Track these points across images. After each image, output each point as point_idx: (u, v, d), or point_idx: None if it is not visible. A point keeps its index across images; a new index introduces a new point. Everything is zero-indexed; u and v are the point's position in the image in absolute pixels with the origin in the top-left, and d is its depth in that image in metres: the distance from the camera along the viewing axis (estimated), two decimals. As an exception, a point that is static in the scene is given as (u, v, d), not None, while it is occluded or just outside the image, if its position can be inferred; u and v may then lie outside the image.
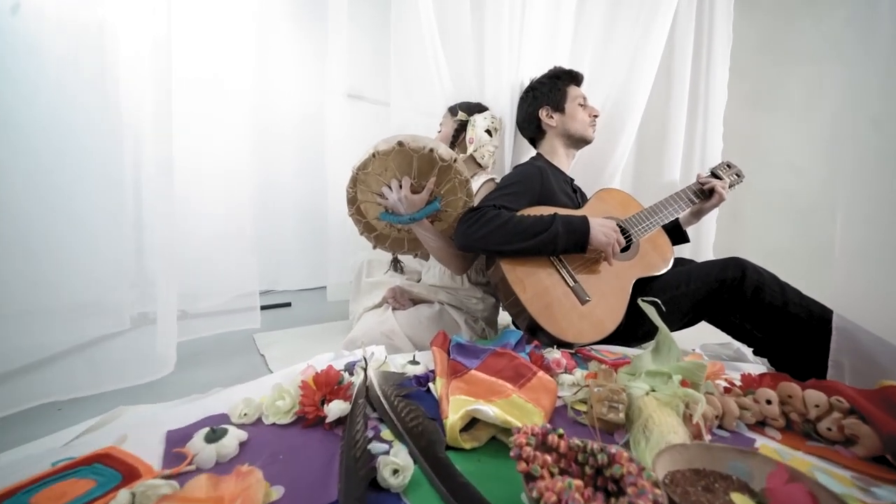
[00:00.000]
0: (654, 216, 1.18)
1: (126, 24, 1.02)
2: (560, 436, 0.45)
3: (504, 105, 1.42)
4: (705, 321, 1.12)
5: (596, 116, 1.32)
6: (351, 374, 0.79)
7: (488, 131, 1.37)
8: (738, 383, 0.76)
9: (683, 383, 0.66)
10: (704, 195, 1.27)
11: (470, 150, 1.36)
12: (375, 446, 0.55)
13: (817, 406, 0.62)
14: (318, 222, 1.86)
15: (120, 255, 1.17)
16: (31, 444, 0.63)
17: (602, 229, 1.02)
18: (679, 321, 1.11)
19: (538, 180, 1.17)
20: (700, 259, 1.59)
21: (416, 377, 0.76)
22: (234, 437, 0.55)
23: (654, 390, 0.64)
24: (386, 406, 0.64)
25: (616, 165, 1.58)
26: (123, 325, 1.11)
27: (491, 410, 0.56)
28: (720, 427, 0.66)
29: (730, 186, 1.28)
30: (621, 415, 0.60)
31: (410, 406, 0.63)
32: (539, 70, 1.38)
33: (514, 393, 0.66)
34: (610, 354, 0.92)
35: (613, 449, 0.42)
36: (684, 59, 1.69)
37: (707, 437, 0.58)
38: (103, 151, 1.05)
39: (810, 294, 1.01)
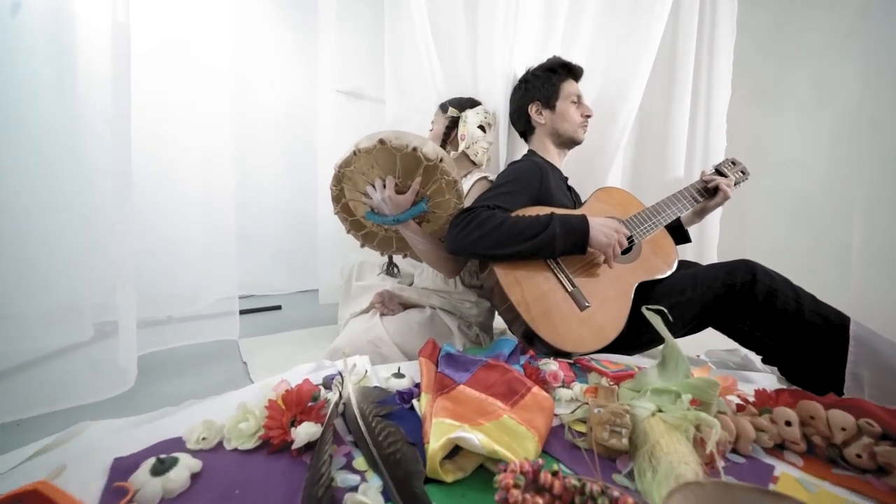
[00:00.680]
0: (657, 216, 1.12)
1: (86, 12, 0.95)
2: (554, 473, 0.39)
3: (498, 98, 1.36)
4: (712, 328, 1.05)
5: (588, 117, 1.25)
6: (329, 388, 0.73)
7: (481, 127, 1.31)
8: (752, 399, 0.70)
9: (693, 402, 0.59)
10: (708, 193, 1.21)
11: (462, 146, 1.29)
12: (345, 478, 0.49)
13: (844, 429, 0.56)
14: (309, 222, 1.80)
15: (89, 258, 1.11)
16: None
17: (602, 229, 0.95)
18: (683, 327, 1.05)
19: (537, 178, 1.10)
20: (704, 261, 1.53)
21: (400, 393, 0.70)
22: (184, 469, 0.48)
23: (661, 410, 0.58)
24: (362, 428, 0.58)
25: (608, 162, 1.51)
26: (86, 335, 1.04)
27: (476, 438, 0.49)
28: (734, 451, 0.59)
29: (735, 184, 1.22)
30: (624, 440, 0.54)
31: (390, 428, 0.57)
32: (532, 60, 1.31)
33: (505, 413, 0.59)
34: (611, 365, 0.86)
35: (616, 492, 0.36)
36: (686, 54, 1.62)
37: (721, 464, 0.52)
38: (65, 149, 0.99)
39: (818, 296, 0.95)
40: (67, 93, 1.03)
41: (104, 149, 1.02)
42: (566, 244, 0.94)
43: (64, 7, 0.98)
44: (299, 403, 0.60)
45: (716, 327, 1.04)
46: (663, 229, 1.14)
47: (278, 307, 1.92)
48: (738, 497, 0.38)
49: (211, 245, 1.20)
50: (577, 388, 0.75)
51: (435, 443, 0.50)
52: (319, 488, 0.43)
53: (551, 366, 0.81)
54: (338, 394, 0.67)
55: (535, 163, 1.13)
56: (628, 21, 1.47)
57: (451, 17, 1.39)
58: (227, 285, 1.22)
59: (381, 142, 0.94)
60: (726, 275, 0.97)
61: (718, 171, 1.23)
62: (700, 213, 1.25)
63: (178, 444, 0.56)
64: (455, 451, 0.52)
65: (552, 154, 1.26)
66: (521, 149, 1.40)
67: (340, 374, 0.72)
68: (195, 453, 0.53)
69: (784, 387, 0.99)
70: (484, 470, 0.52)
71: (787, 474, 0.54)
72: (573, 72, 1.26)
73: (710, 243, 1.59)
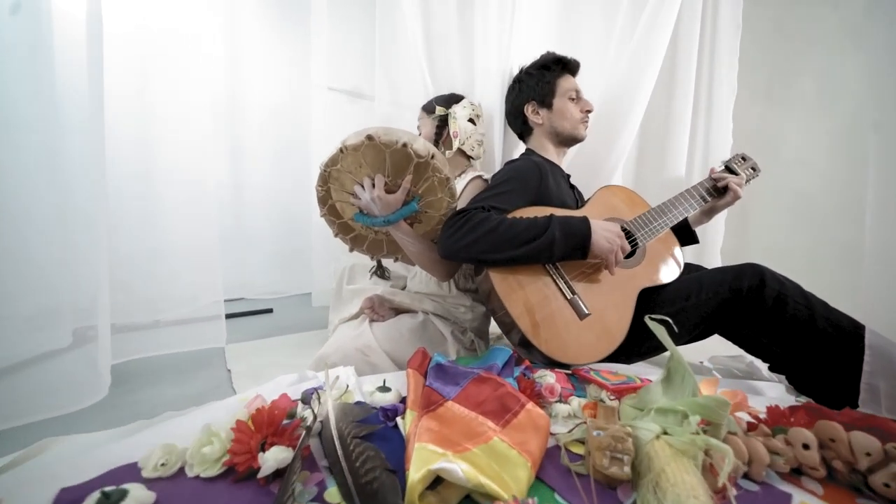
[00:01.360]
0: (663, 217, 1.06)
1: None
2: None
3: (494, 96, 1.31)
4: (717, 334, 1.00)
5: (589, 112, 1.19)
6: (308, 404, 0.67)
7: (471, 120, 1.26)
8: (763, 416, 0.64)
9: (701, 421, 0.54)
10: (718, 192, 1.15)
11: (456, 144, 1.24)
12: (314, 513, 0.43)
13: (869, 454, 0.51)
14: (303, 223, 1.75)
15: (70, 261, 1.06)
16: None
17: (605, 234, 0.89)
18: (688, 334, 0.99)
19: (535, 177, 1.05)
20: (706, 263, 1.47)
21: (384, 409, 0.65)
22: (133, 503, 0.43)
23: (666, 433, 0.53)
24: (339, 452, 0.53)
25: (617, 162, 1.46)
26: (64, 342, 0.99)
27: (460, 469, 0.44)
28: (746, 477, 0.54)
29: (746, 181, 1.16)
30: (626, 468, 0.49)
31: (369, 452, 0.52)
32: (530, 59, 1.26)
33: (495, 435, 0.54)
34: (611, 376, 0.81)
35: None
36: (689, 51, 1.56)
37: (732, 492, 0.47)
38: (41, 146, 0.94)
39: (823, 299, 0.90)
40: (45, 90, 0.99)
41: (81, 146, 0.97)
42: (566, 249, 0.89)
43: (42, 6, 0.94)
44: (271, 424, 0.55)
45: (721, 334, 0.99)
46: (669, 231, 1.08)
47: (269, 310, 1.87)
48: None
49: (196, 248, 1.15)
50: (575, 403, 0.70)
51: (415, 473, 0.45)
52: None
53: (548, 378, 0.76)
54: (315, 411, 0.61)
55: (533, 161, 1.08)
56: (634, 19, 1.42)
57: (444, 14, 1.34)
58: (213, 290, 1.17)
59: (369, 138, 0.88)
60: (733, 279, 0.92)
61: (728, 168, 1.18)
62: (708, 213, 1.19)
63: (132, 471, 0.51)
64: (438, 479, 0.47)
65: (551, 153, 1.21)
66: (518, 147, 1.35)
67: (317, 390, 0.67)
68: (151, 483, 0.48)
69: (793, 397, 0.96)
70: (471, 501, 0.47)
71: (807, 503, 0.49)
72: (568, 66, 1.20)
73: (714, 245, 1.54)
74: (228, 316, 1.76)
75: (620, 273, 0.97)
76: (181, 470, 0.52)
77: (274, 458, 0.49)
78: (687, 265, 1.12)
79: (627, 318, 0.93)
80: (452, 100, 1.27)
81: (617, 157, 1.44)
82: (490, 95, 1.32)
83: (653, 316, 0.65)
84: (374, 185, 0.93)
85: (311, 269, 1.82)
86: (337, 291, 1.41)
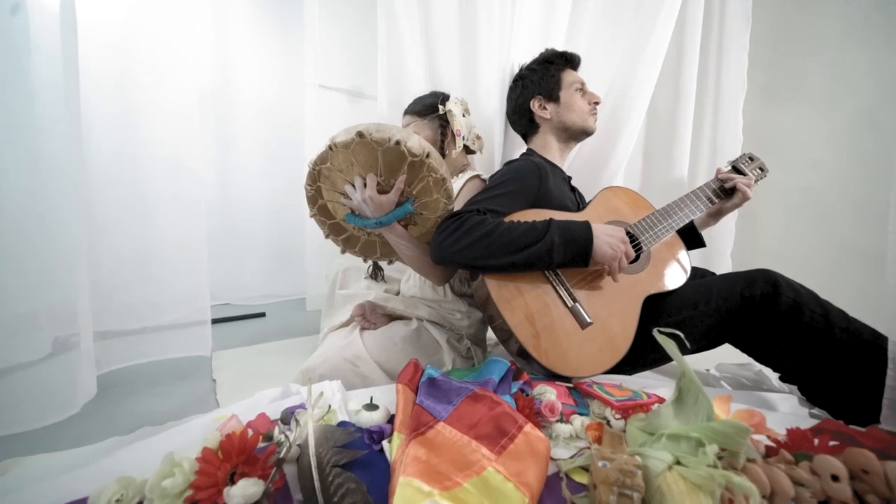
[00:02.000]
0: (668, 219, 1.01)
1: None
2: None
3: (494, 97, 1.25)
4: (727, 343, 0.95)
5: (597, 103, 1.15)
6: (288, 424, 0.62)
7: (463, 114, 1.20)
8: (783, 437, 0.59)
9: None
10: (725, 193, 1.10)
11: (461, 142, 1.19)
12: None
13: (907, 489, 0.45)
14: (297, 224, 1.69)
15: (50, 265, 1.01)
16: None
17: (608, 239, 0.84)
18: (695, 344, 0.94)
19: (535, 178, 0.99)
20: (715, 268, 1.42)
21: (370, 432, 0.60)
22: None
23: (679, 462, 0.47)
24: (316, 484, 0.47)
25: (619, 162, 1.41)
26: (42, 351, 0.94)
27: (448, 512, 0.39)
28: (768, 511, 0.49)
29: (755, 182, 1.11)
30: (636, 506, 0.43)
31: (349, 484, 0.47)
32: (531, 57, 1.21)
33: (490, 465, 0.49)
34: (616, 391, 0.75)
35: None
36: (695, 44, 1.51)
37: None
38: (18, 144, 0.88)
39: (832, 295, 0.85)
40: (18, 85, 0.93)
41: (57, 144, 0.92)
42: (566, 256, 0.83)
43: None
44: (242, 451, 0.49)
45: (731, 342, 0.94)
46: (675, 234, 1.03)
47: (262, 314, 1.82)
48: None
49: (183, 250, 1.09)
50: (578, 422, 0.65)
51: (397, 515, 0.39)
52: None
53: (548, 395, 0.70)
54: (294, 434, 0.56)
55: (533, 162, 1.02)
56: (636, 16, 1.36)
57: (444, 10, 1.28)
58: (199, 296, 1.11)
59: (360, 135, 0.83)
60: (745, 287, 0.87)
61: (736, 169, 1.12)
62: (715, 215, 1.14)
63: (83, 508, 0.45)
64: (425, 519, 0.42)
65: (554, 152, 1.16)
66: (519, 148, 1.29)
67: (292, 415, 0.61)
68: (102, 522, 0.43)
69: (807, 409, 0.91)
70: (461, 543, 0.42)
71: (838, 546, 0.44)
72: (571, 61, 1.16)
73: (723, 248, 1.49)
74: (219, 320, 1.72)
75: (624, 279, 0.92)
76: (140, 504, 0.46)
77: (241, 493, 0.44)
78: (693, 269, 1.07)
79: (632, 327, 0.88)
80: (444, 98, 1.22)
81: (619, 157, 1.39)
82: (493, 94, 1.27)
83: (662, 329, 0.60)
84: (365, 185, 0.88)
85: (306, 272, 1.76)
86: (329, 296, 1.36)
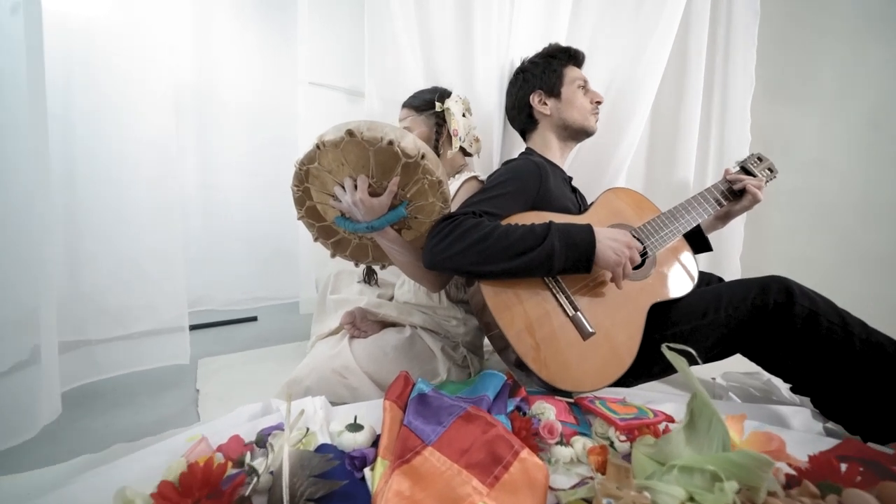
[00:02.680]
0: (675, 223, 0.96)
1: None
2: None
3: (493, 94, 1.20)
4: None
5: (599, 103, 1.10)
6: (264, 447, 0.57)
7: (463, 114, 1.15)
8: (805, 464, 0.54)
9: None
10: (734, 195, 1.05)
11: (457, 143, 1.14)
12: None
13: (951, 532, 0.40)
14: (289, 225, 1.64)
15: (13, 271, 0.95)
16: None
17: (611, 244, 0.79)
18: (704, 354, 0.89)
19: (535, 179, 0.94)
20: (723, 272, 1.37)
21: (351, 457, 0.54)
22: None
23: (693, 499, 0.42)
24: (287, 521, 0.42)
25: (621, 162, 1.36)
26: (5, 363, 0.88)
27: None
28: (792, 553, 0.44)
29: (765, 183, 1.06)
30: (646, 553, 0.38)
31: (323, 523, 0.42)
32: (533, 51, 1.16)
33: (481, 500, 0.44)
34: (619, 408, 0.70)
35: None
36: (701, 39, 1.45)
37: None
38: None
39: (843, 301, 0.80)
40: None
41: (20, 143, 0.86)
42: (567, 262, 0.78)
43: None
44: (205, 484, 0.44)
45: (742, 352, 0.89)
46: (681, 238, 0.98)
47: (254, 318, 1.77)
48: None
49: (158, 256, 1.03)
50: (580, 445, 0.59)
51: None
52: None
53: (547, 413, 0.65)
54: (268, 460, 0.51)
55: (533, 162, 0.97)
56: (638, 11, 1.31)
57: (440, 6, 1.23)
58: (176, 302, 1.05)
59: (350, 133, 0.78)
60: (757, 295, 0.82)
61: (744, 170, 1.07)
62: (723, 218, 1.09)
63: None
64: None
65: (554, 151, 1.10)
66: (518, 148, 1.24)
67: (281, 426, 0.56)
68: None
69: (821, 423, 0.86)
70: None
71: None
72: (575, 57, 1.11)
73: (732, 251, 1.44)
74: (208, 325, 1.67)
75: (628, 286, 0.87)
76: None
77: (199, 536, 0.39)
78: (700, 274, 1.02)
79: (637, 337, 0.83)
80: (444, 94, 1.17)
81: (622, 157, 1.34)
82: (491, 91, 1.21)
83: (671, 346, 0.54)
84: (356, 187, 0.83)
85: (299, 274, 1.71)
86: (320, 301, 1.31)
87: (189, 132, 1.24)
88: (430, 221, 0.92)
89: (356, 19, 1.34)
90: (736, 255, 1.44)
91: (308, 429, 0.59)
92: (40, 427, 0.80)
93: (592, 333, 0.80)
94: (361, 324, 1.02)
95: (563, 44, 1.13)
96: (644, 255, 0.91)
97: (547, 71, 1.08)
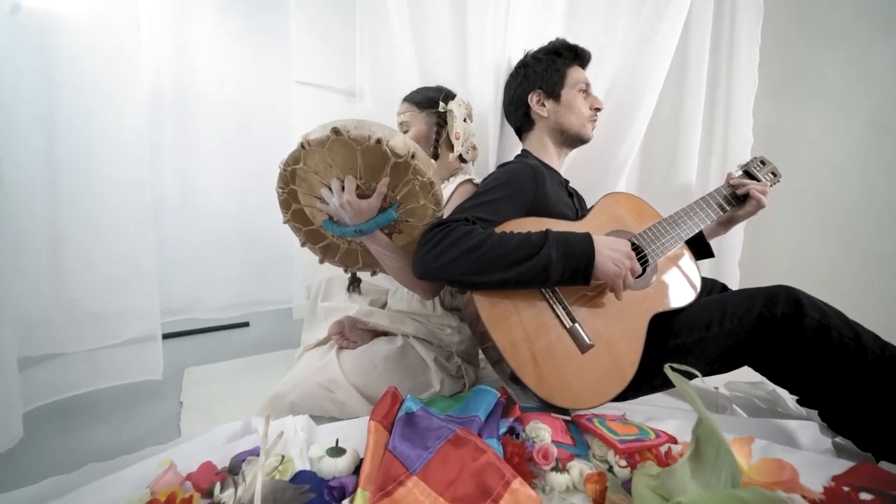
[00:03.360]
0: (676, 229, 0.92)
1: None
2: None
3: (488, 92, 1.16)
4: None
5: (598, 110, 1.06)
6: (237, 474, 0.53)
7: (465, 120, 1.12)
8: (819, 495, 0.50)
9: None
10: (737, 200, 1.01)
11: (458, 148, 1.10)
12: None
13: None
14: (282, 228, 1.60)
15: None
16: None
17: (611, 254, 0.75)
18: (707, 368, 0.85)
19: (531, 183, 0.90)
20: (721, 276, 1.33)
21: (330, 487, 0.50)
22: None
23: (700, 542, 0.38)
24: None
25: (622, 164, 1.32)
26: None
27: None
28: None
29: (770, 187, 1.02)
30: None
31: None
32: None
33: (467, 541, 0.40)
34: (619, 427, 0.66)
35: None
36: (704, 37, 1.41)
37: None
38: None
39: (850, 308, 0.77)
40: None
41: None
42: (564, 272, 0.74)
43: None
44: (165, 523, 0.40)
45: (747, 365, 0.85)
46: (684, 244, 0.94)
47: (245, 324, 1.73)
48: None
49: (128, 264, 0.97)
50: (577, 471, 0.56)
51: None
52: None
53: (542, 434, 0.61)
54: (240, 490, 0.47)
55: (528, 165, 0.93)
56: (641, 9, 1.27)
57: (435, 4, 1.19)
58: (147, 314, 1.00)
59: (336, 131, 0.74)
60: (764, 305, 0.78)
61: (747, 174, 1.03)
62: (726, 224, 1.05)
63: None
64: None
65: (550, 154, 1.06)
66: (514, 149, 1.20)
67: (258, 450, 0.52)
68: None
69: (829, 438, 0.82)
70: None
71: None
72: (581, 57, 1.06)
73: (731, 257, 1.39)
74: (197, 331, 1.63)
75: (629, 296, 0.83)
76: None
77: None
78: (703, 280, 0.97)
79: (637, 350, 0.79)
80: (449, 96, 1.13)
81: (623, 159, 1.30)
82: (486, 91, 1.18)
83: (675, 366, 0.51)
84: (343, 189, 0.79)
85: (292, 279, 1.67)
86: (311, 309, 1.27)
87: (168, 133, 1.19)
88: (423, 225, 0.88)
89: (348, 17, 1.30)
90: (735, 260, 1.40)
91: (283, 456, 0.55)
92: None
93: (591, 346, 0.76)
94: (351, 334, 0.98)
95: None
96: (645, 263, 0.87)
97: (549, 69, 1.03)
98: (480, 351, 0.98)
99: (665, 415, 0.79)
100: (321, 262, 0.99)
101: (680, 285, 0.89)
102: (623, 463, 0.57)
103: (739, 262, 1.46)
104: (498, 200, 0.86)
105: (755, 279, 1.61)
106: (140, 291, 0.97)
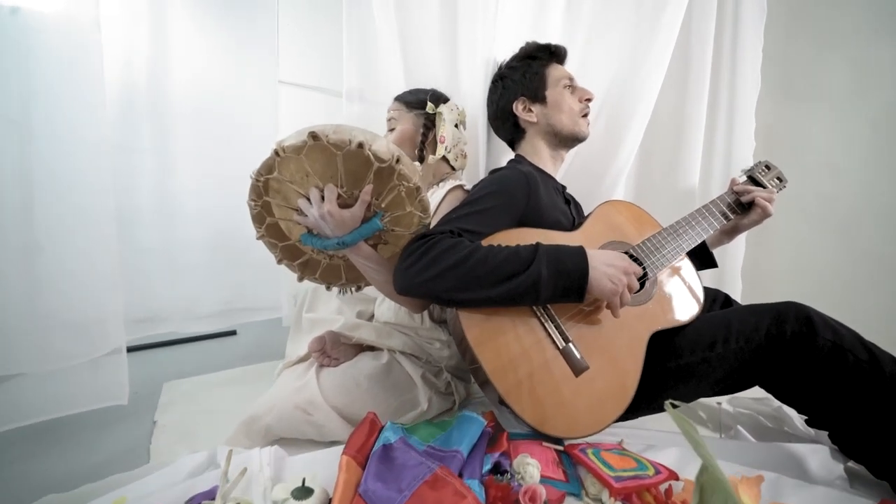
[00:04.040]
0: (677, 240, 0.87)
1: None
2: None
3: (478, 94, 1.11)
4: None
5: (589, 100, 1.00)
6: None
7: (456, 126, 1.07)
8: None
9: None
10: (742, 208, 0.96)
11: (441, 151, 1.05)
12: None
13: None
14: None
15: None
16: None
17: (607, 270, 0.69)
18: (711, 389, 0.81)
19: (523, 191, 0.85)
20: (722, 286, 1.27)
21: (291, 538, 0.45)
22: None
23: None
24: None
25: (620, 169, 1.26)
26: None
27: None
28: None
29: (776, 193, 0.97)
30: None
31: None
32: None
33: None
34: (615, 460, 0.61)
35: None
36: (705, 38, 1.36)
37: None
38: None
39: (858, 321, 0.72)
40: None
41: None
42: (555, 290, 0.69)
43: None
44: None
45: (756, 385, 0.80)
46: (685, 256, 0.89)
47: (233, 332, 1.68)
48: None
49: (90, 273, 0.90)
50: (567, 514, 0.50)
51: None
52: None
53: (531, 471, 0.56)
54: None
55: (520, 171, 0.88)
56: (639, 6, 1.22)
57: (422, 4, 1.14)
58: (109, 333, 0.93)
59: (314, 136, 0.68)
60: (772, 323, 0.73)
61: (752, 179, 0.98)
62: (730, 233, 1.00)
63: None
64: None
65: (545, 158, 1.01)
66: (507, 154, 1.15)
67: (216, 490, 0.47)
68: None
69: (841, 464, 0.77)
70: None
71: None
72: (556, 54, 1.01)
73: (733, 264, 1.34)
74: (181, 341, 1.58)
75: (627, 312, 0.77)
76: None
77: None
78: (705, 290, 0.92)
79: (636, 371, 0.74)
80: (440, 98, 1.10)
81: (622, 164, 1.24)
82: (476, 92, 1.12)
83: (675, 402, 0.45)
84: (323, 199, 0.74)
85: (280, 286, 1.61)
86: (296, 319, 1.22)
87: (143, 135, 1.14)
88: (410, 234, 0.83)
89: (334, 15, 1.24)
90: (737, 268, 1.35)
91: (240, 503, 0.50)
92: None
93: (586, 368, 0.71)
94: (333, 350, 0.93)
95: (556, 42, 1.04)
96: (644, 277, 0.82)
97: (528, 74, 0.98)
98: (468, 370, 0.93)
99: (666, 441, 0.74)
100: (300, 279, 0.93)
101: (682, 299, 0.84)
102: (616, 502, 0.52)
103: (742, 272, 1.40)
104: (487, 210, 0.81)
105: (757, 286, 1.56)
106: (103, 306, 0.90)
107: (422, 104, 1.08)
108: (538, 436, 0.68)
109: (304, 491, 0.52)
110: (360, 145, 0.68)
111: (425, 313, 1.04)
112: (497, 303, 0.70)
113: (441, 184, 1.07)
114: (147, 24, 1.05)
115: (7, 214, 0.84)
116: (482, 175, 1.12)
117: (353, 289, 1.04)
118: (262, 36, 1.25)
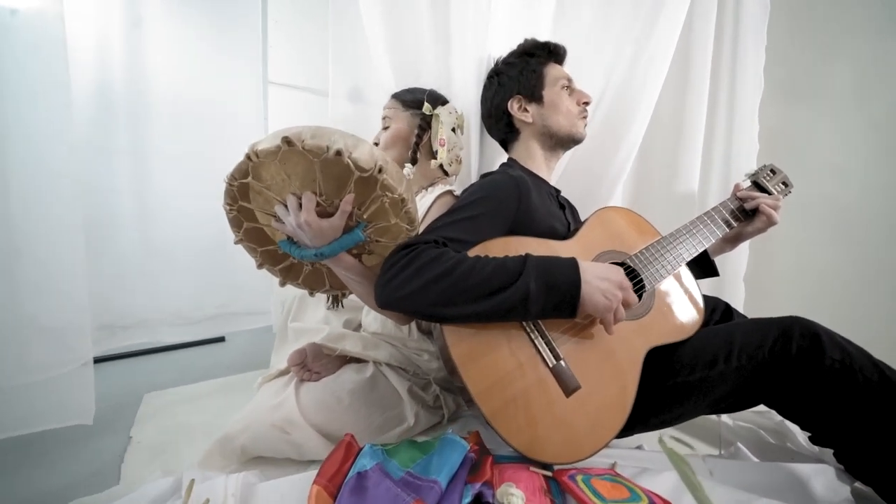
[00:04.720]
0: (677, 249, 0.82)
1: None
2: None
3: (470, 94, 1.07)
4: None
5: (587, 103, 0.97)
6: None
7: (453, 130, 1.03)
8: None
9: None
10: (745, 215, 0.91)
11: (443, 155, 1.01)
12: None
13: None
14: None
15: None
16: None
17: (600, 284, 0.65)
18: (711, 408, 0.77)
19: (513, 196, 0.80)
20: (723, 294, 1.23)
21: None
22: None
23: None
24: None
25: (618, 172, 1.22)
26: None
27: None
28: None
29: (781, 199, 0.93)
30: None
31: None
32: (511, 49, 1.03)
33: None
34: (607, 489, 0.57)
35: None
36: (707, 36, 1.31)
37: None
38: None
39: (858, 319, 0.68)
40: None
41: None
42: (545, 306, 0.64)
43: None
44: None
45: (761, 402, 0.76)
46: (685, 266, 0.84)
47: (221, 339, 1.64)
48: None
49: (58, 278, 0.85)
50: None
51: None
52: None
53: (514, 502, 0.52)
54: None
55: (511, 177, 0.83)
56: (638, 3, 1.18)
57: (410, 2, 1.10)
58: (76, 347, 0.88)
59: (287, 142, 0.63)
60: (776, 340, 0.69)
61: (756, 184, 0.94)
62: (733, 241, 0.96)
63: None
64: None
65: (539, 162, 0.97)
66: (500, 157, 1.10)
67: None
68: None
69: (848, 485, 0.73)
70: None
71: None
72: (555, 53, 0.98)
73: (735, 271, 1.30)
74: (167, 348, 1.54)
75: (623, 327, 0.73)
76: None
77: None
78: (705, 299, 0.87)
79: (631, 391, 0.70)
80: (438, 100, 1.05)
81: (619, 167, 1.20)
82: (468, 92, 1.08)
83: (675, 436, 0.41)
84: (301, 207, 0.69)
85: (270, 291, 1.57)
86: (282, 328, 1.18)
87: (120, 135, 1.10)
88: (396, 244, 0.79)
89: (322, 14, 1.20)
90: (739, 277, 1.30)
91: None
92: None
93: (578, 388, 0.67)
94: (314, 364, 0.88)
95: (553, 39, 1.00)
96: (641, 289, 0.77)
97: (525, 72, 0.94)
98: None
99: (661, 464, 0.70)
100: (282, 284, 0.89)
101: (681, 313, 0.80)
102: (610, 543, 0.48)
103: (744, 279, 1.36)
104: (475, 218, 0.77)
105: (759, 294, 1.51)
106: (67, 316, 0.85)
107: (418, 104, 1.04)
108: (526, 460, 0.63)
109: (268, 527, 0.48)
110: (339, 153, 0.64)
111: (413, 324, 1.00)
112: (484, 318, 0.66)
113: (431, 188, 1.03)
114: (120, 19, 1.01)
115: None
116: (474, 178, 1.08)
117: (342, 301, 1.00)
118: (247, 33, 1.21)
